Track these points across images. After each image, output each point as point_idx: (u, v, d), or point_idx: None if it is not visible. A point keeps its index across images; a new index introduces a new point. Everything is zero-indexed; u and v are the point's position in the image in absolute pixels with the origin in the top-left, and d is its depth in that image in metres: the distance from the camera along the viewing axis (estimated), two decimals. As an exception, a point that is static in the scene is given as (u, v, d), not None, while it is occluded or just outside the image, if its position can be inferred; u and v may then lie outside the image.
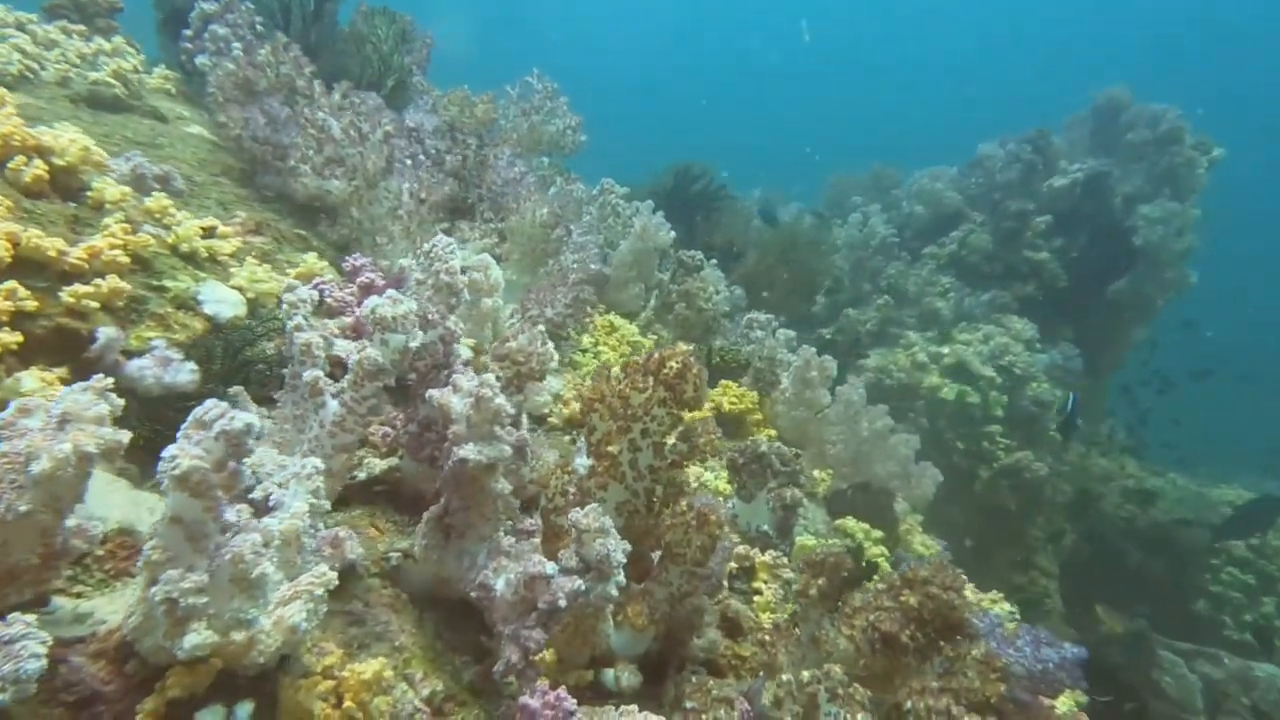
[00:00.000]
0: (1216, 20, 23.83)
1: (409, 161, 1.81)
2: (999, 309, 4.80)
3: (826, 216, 5.94)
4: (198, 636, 0.64)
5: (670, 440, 1.14)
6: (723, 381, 2.42)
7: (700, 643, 1.26)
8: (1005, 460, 4.31)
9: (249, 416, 0.68)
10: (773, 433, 2.49)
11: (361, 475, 1.16)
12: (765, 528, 1.67)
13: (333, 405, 0.99)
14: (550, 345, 1.26)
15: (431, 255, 1.18)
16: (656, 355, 1.12)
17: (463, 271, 1.60)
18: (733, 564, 1.58)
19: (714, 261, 3.58)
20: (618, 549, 0.99)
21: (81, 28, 1.95)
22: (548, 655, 1.05)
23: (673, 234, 2.94)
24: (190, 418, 0.67)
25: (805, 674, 1.02)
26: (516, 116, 2.64)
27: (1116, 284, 4.60)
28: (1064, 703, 1.53)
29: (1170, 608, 5.56)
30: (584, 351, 2.12)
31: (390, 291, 1.04)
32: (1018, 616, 2.57)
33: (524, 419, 1.22)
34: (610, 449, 1.12)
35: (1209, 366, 6.13)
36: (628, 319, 2.93)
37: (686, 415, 1.15)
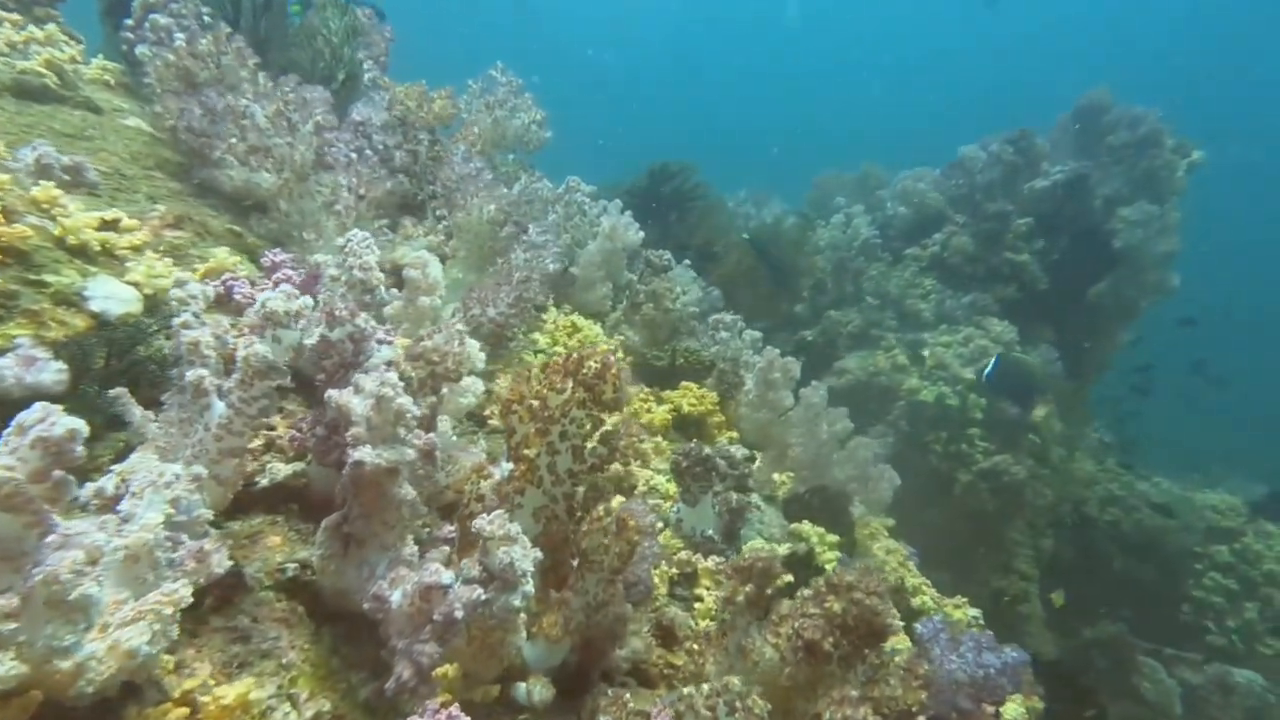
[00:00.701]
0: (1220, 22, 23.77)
1: (354, 156, 1.76)
2: (980, 311, 4.76)
3: (811, 217, 5.91)
4: (2, 667, 0.58)
5: (590, 443, 1.09)
6: (684, 383, 2.37)
7: (623, 653, 1.21)
8: (984, 464, 4.27)
9: (72, 422, 0.62)
10: (735, 434, 2.44)
11: (264, 481, 1.11)
12: (710, 532, 1.62)
13: (219, 406, 0.94)
14: (472, 345, 1.21)
15: (346, 250, 1.13)
16: (575, 355, 1.08)
17: (400, 269, 1.55)
18: (674, 570, 1.53)
19: (686, 262, 3.54)
20: (525, 557, 0.94)
21: (17, 16, 1.89)
22: (450, 670, 1.00)
23: (641, 234, 2.89)
24: (11, 423, 0.62)
25: (705, 687, 0.97)
26: (479, 111, 2.60)
27: (1097, 287, 4.57)
28: (1011, 709, 1.48)
29: (1154, 612, 5.54)
30: (539, 352, 2.07)
31: (285, 286, 0.99)
32: (981, 622, 2.53)
33: (444, 422, 1.17)
34: (528, 452, 1.07)
35: (1204, 364, 6.10)
36: (596, 319, 2.89)
37: (611, 417, 1.10)
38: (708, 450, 1.62)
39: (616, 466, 1.46)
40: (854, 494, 2.19)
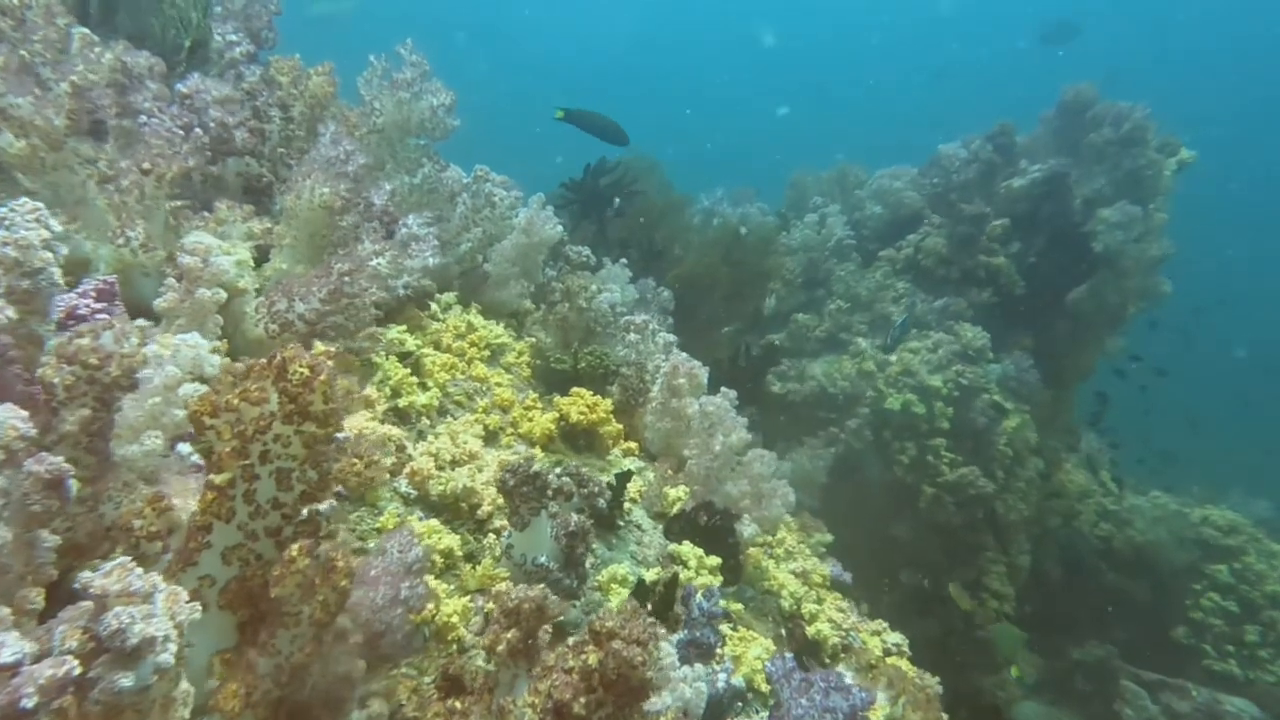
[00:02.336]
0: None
1: (179, 132, 1.64)
2: (953, 316, 4.54)
3: (788, 216, 5.73)
4: None
5: (298, 467, 0.94)
6: (574, 389, 2.22)
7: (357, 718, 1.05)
8: (949, 476, 4.05)
9: None
10: (634, 445, 2.29)
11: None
12: (543, 560, 1.47)
13: None
14: (201, 345, 1.07)
15: (2, 222, 0.99)
16: (279, 356, 0.93)
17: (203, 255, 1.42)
18: (493, 606, 1.37)
19: (623, 260, 3.39)
20: (159, 618, 0.77)
21: None
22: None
23: (560, 229, 2.75)
24: None
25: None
26: (381, 91, 2.46)
27: (1076, 291, 4.32)
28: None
29: (1149, 634, 5.24)
30: (405, 355, 1.93)
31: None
32: (905, 650, 2.34)
33: (152, 438, 1.04)
34: (218, 479, 0.93)
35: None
36: (511, 318, 2.75)
37: (324, 430, 0.95)
38: (537, 467, 1.47)
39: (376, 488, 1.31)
40: (747, 511, 2.02)
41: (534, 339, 2.61)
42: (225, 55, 1.99)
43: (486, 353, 2.32)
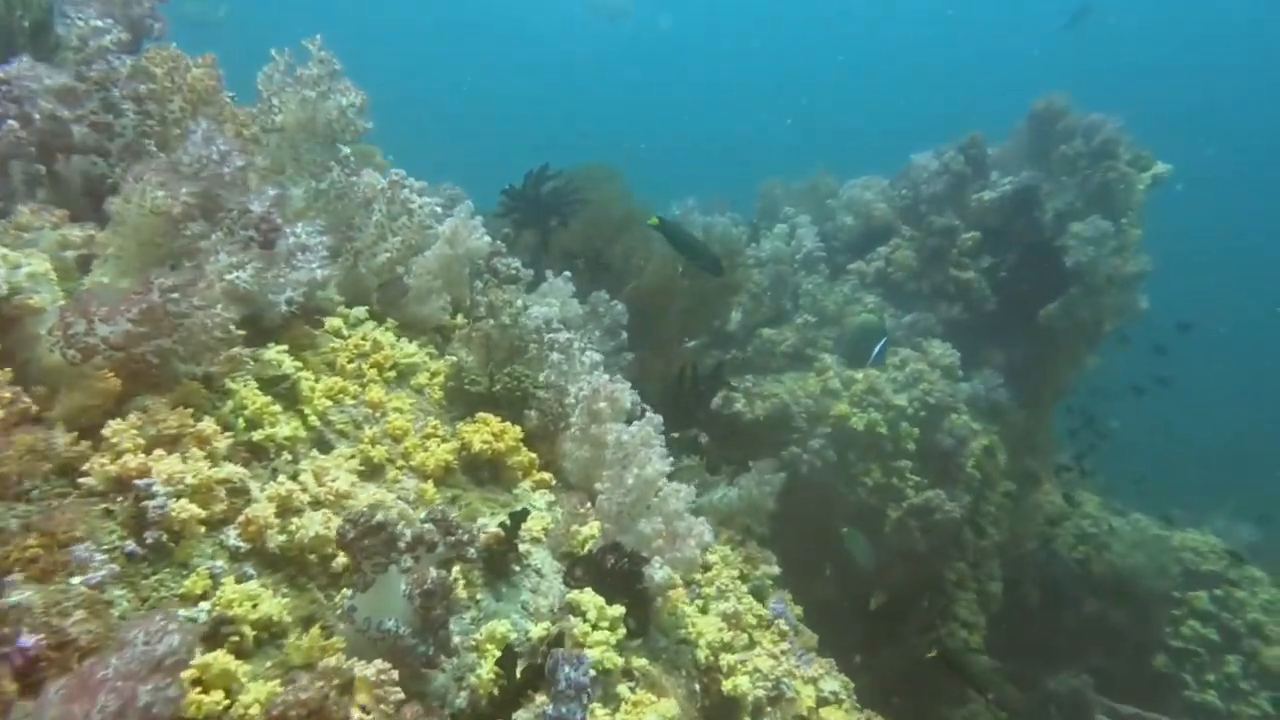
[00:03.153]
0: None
1: None
2: (921, 332, 4.37)
3: (759, 227, 5.57)
4: None
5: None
6: (480, 415, 2.03)
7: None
8: (914, 499, 3.87)
9: None
10: (547, 477, 2.09)
11: None
12: (391, 624, 1.27)
13: None
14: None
15: None
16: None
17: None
18: (320, 683, 1.17)
19: (566, 274, 3.20)
20: None
21: None
22: None
23: (487, 239, 2.56)
24: None
25: None
26: (284, 88, 2.27)
27: (1047, 308, 4.15)
28: None
29: (1128, 662, 5.06)
30: (274, 381, 1.73)
31: None
32: (845, 697, 2.14)
33: None
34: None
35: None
36: (437, 335, 2.56)
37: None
38: (381, 516, 1.28)
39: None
40: (659, 553, 1.83)
41: (455, 358, 2.41)
42: (90, 43, 1.80)
43: (393, 374, 2.12)
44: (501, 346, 2.46)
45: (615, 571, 1.74)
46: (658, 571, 1.81)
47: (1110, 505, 5.44)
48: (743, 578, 2.67)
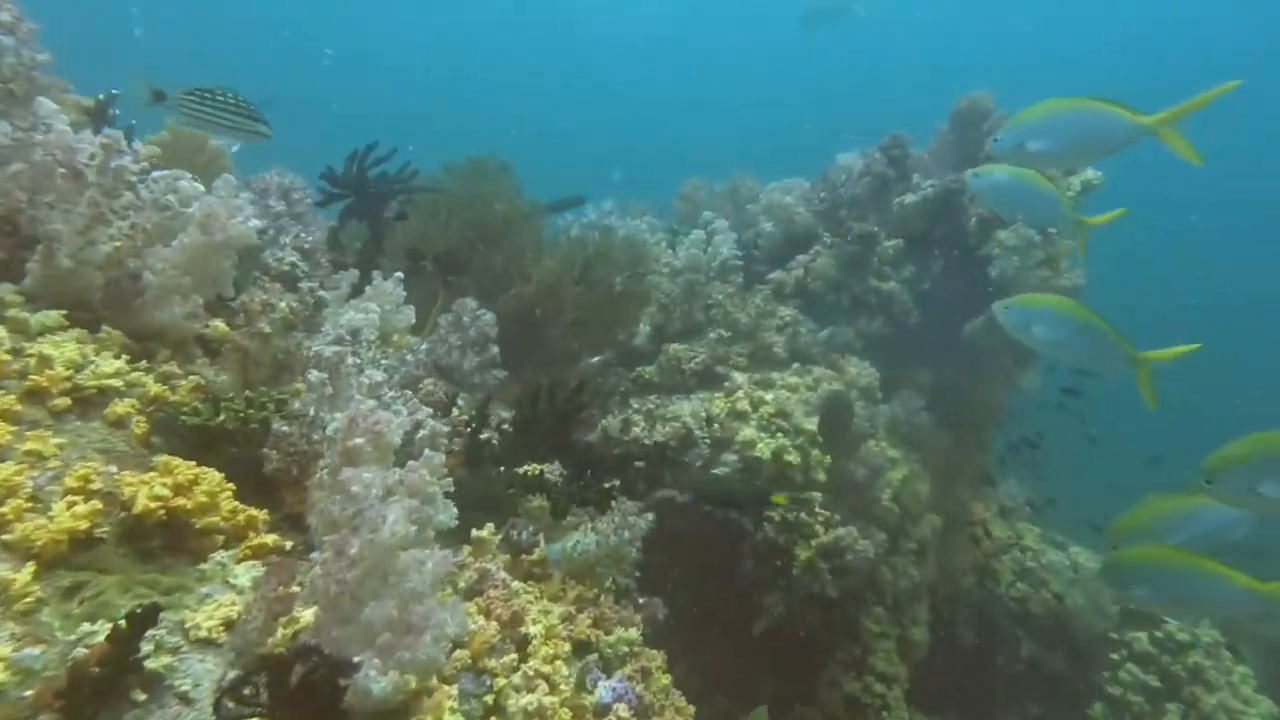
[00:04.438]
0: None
1: None
2: (840, 348, 3.96)
3: (679, 231, 5.14)
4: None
5: None
6: (163, 458, 1.50)
7: None
8: (824, 538, 3.42)
9: None
10: (267, 541, 1.57)
11: None
12: None
13: None
14: None
15: None
16: None
17: None
18: None
19: (399, 274, 2.70)
20: None
21: None
22: None
23: (255, 223, 2.05)
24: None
25: None
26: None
27: (972, 323, 3.78)
28: None
29: (1065, 710, 4.67)
30: None
31: None
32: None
33: None
34: None
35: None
36: (179, 349, 2.03)
37: None
38: None
39: None
40: (383, 654, 1.32)
41: (196, 379, 1.88)
42: None
43: (65, 402, 1.59)
44: (263, 364, 1.94)
45: (305, 688, 1.23)
46: (376, 682, 1.30)
47: (1049, 537, 5.08)
48: (581, 648, 2.18)
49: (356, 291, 2.63)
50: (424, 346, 2.39)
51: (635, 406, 4.12)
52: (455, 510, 1.70)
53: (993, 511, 5.00)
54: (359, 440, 1.63)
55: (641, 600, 2.88)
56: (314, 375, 1.78)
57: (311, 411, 1.70)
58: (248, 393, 1.74)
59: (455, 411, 2.64)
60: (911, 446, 3.78)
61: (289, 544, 1.55)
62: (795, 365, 3.97)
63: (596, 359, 4.47)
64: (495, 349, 3.31)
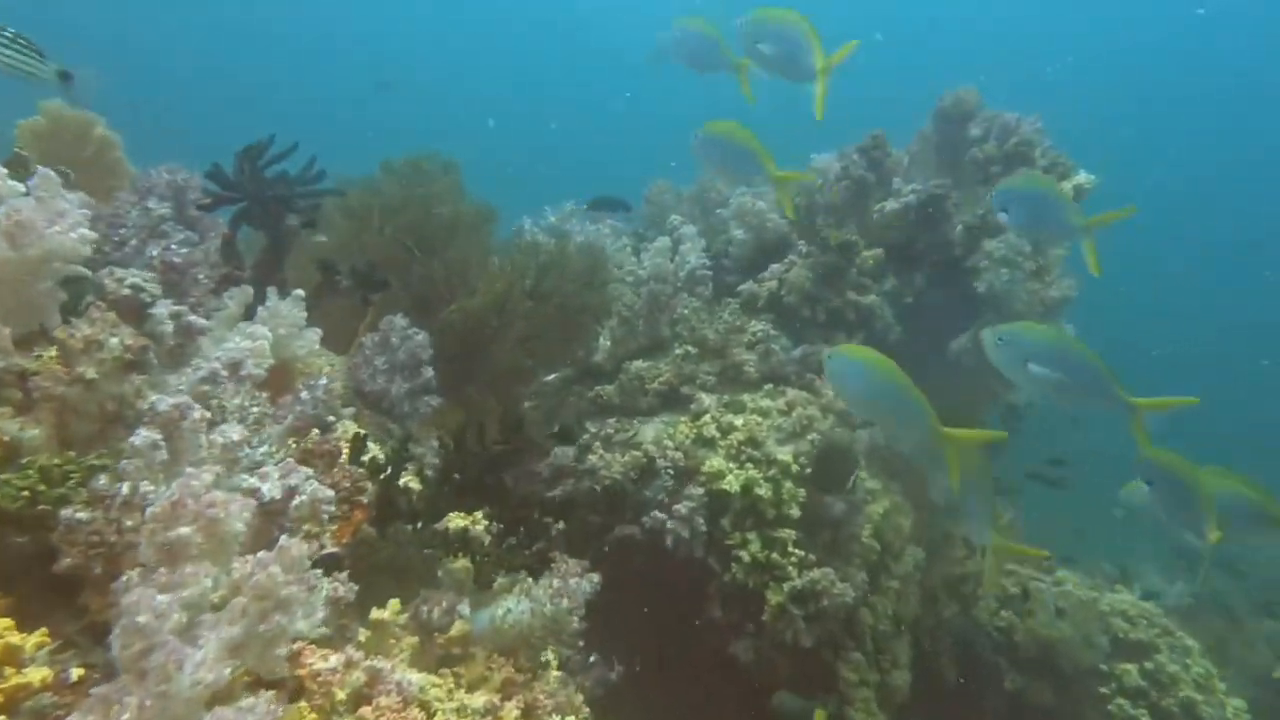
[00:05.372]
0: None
1: None
2: (815, 367, 3.63)
3: (646, 237, 4.79)
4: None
5: None
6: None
7: None
8: (797, 581, 3.09)
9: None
10: (30, 679, 1.17)
11: None
12: None
13: None
14: None
15: None
16: None
17: None
18: None
19: (297, 294, 2.30)
20: None
21: None
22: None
23: (82, 232, 1.64)
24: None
25: None
26: None
27: (958, 340, 3.49)
28: None
29: (1052, 744, 4.41)
30: None
31: None
32: None
33: None
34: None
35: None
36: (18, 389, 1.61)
37: None
38: None
39: None
40: None
41: (6, 436, 1.47)
42: None
43: None
44: (86, 415, 1.54)
45: None
46: None
47: (1037, 560, 4.82)
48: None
49: (252, 314, 2.22)
50: (323, 382, 2.00)
51: (592, 431, 3.76)
52: (322, 615, 1.32)
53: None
54: (184, 530, 1.24)
55: (592, 658, 2.52)
56: (141, 437, 1.38)
57: (125, 489, 1.30)
58: (44, 461, 1.35)
59: (375, 450, 2.26)
60: (893, 475, 3.47)
61: (77, 671, 1.16)
62: (768, 386, 3.64)
63: (552, 376, 4.10)
64: (429, 373, 2.92)
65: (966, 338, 3.50)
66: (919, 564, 3.57)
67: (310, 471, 1.57)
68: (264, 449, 1.58)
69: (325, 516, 1.56)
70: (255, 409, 1.64)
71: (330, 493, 1.59)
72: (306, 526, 1.54)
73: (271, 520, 1.47)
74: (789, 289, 3.85)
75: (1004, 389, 3.92)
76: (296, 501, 1.52)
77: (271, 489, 1.46)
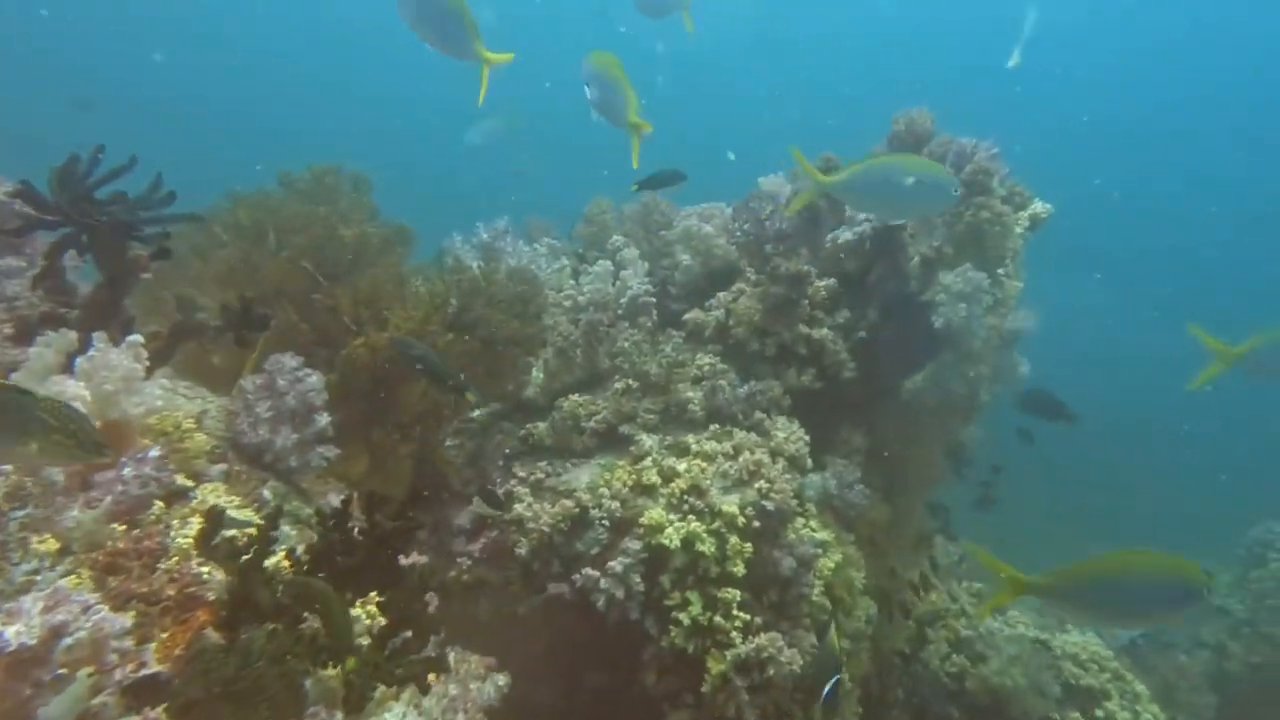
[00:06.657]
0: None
1: None
2: (765, 406, 3.37)
3: (587, 258, 4.47)
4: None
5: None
6: None
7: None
8: (741, 649, 2.80)
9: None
10: None
11: None
12: None
13: None
14: None
15: None
16: None
17: None
18: None
19: (134, 339, 1.88)
20: None
21: None
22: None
23: None
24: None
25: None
26: None
27: (913, 379, 3.28)
28: None
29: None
30: None
31: None
32: None
33: None
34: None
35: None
36: None
37: None
38: None
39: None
40: None
41: None
42: None
43: None
44: None
45: None
46: None
47: (988, 598, 4.68)
48: None
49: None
50: (153, 454, 1.60)
51: (521, 475, 3.40)
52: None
53: (927, 568, 4.55)
54: None
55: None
56: None
57: None
58: None
59: (236, 524, 1.87)
60: (845, 526, 3.23)
61: None
62: (714, 427, 3.36)
63: (477, 412, 3.72)
64: (323, 420, 2.53)
65: (923, 377, 3.30)
66: (870, 618, 3.33)
67: (93, 599, 1.18)
68: (24, 570, 1.18)
69: (113, 657, 1.17)
70: (18, 515, 1.24)
71: (124, 622, 1.20)
72: (85, 672, 1.15)
73: (21, 674, 1.08)
74: (737, 320, 3.59)
75: (961, 427, 3.74)
76: (68, 643, 1.13)
77: (20, 632, 1.07)
